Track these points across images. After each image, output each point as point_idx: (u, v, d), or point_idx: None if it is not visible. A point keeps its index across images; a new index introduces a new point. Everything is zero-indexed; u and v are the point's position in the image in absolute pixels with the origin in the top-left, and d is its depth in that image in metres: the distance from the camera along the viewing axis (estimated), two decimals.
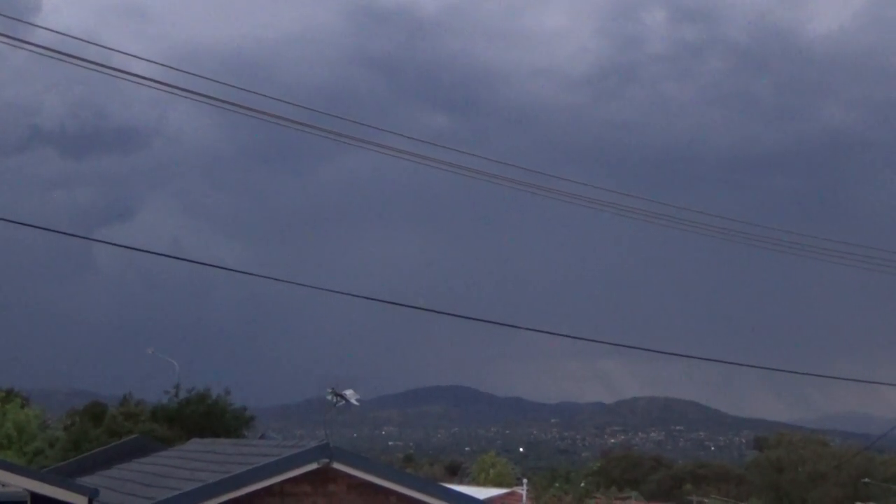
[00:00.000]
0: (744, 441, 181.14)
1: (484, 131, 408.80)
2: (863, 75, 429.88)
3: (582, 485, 37.06)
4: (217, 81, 12.15)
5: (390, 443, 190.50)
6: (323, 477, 15.24)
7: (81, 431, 37.76)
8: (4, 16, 10.66)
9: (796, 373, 25.17)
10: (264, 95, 12.54)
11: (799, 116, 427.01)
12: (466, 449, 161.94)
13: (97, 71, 11.31)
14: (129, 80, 11.49)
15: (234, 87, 12.27)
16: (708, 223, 19.06)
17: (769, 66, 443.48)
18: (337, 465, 15.17)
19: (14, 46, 10.78)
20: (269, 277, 14.54)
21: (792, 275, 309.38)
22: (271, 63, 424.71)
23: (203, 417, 38.82)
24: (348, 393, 15.36)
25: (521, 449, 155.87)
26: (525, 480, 47.95)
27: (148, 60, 11.83)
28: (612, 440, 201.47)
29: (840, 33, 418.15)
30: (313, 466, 15.00)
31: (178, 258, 13.41)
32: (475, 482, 61.20)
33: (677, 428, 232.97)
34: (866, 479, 62.01)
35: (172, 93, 11.70)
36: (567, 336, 19.04)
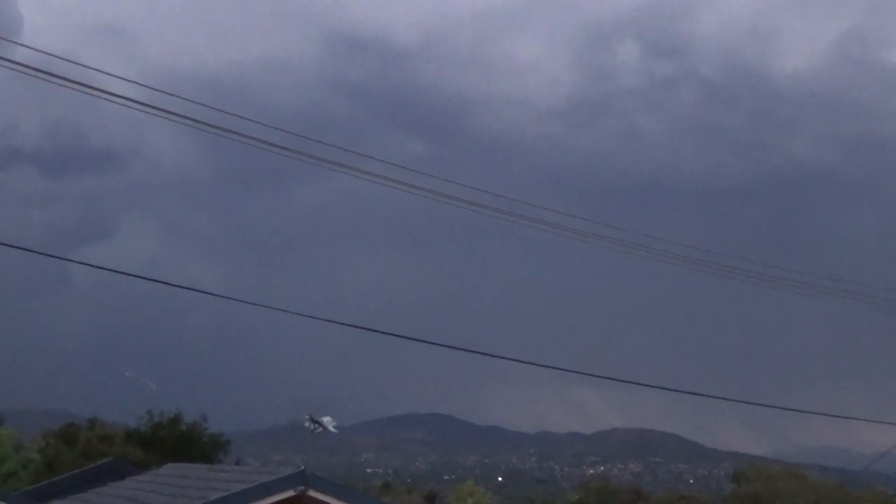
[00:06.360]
0: (723, 474, 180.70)
1: (459, 158, 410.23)
2: (830, 112, 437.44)
3: None
4: (196, 103, 12.13)
5: (368, 470, 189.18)
6: None
7: (55, 454, 37.47)
8: None
9: (771, 406, 25.15)
10: (243, 118, 12.52)
11: (768, 150, 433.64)
12: (445, 478, 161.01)
13: (77, 90, 11.27)
14: (108, 100, 11.44)
15: (213, 108, 12.25)
16: (681, 253, 19.15)
17: (739, 100, 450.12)
18: (313, 493, 15.04)
19: None
20: (245, 301, 14.45)
21: (764, 305, 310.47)
22: (249, 87, 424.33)
23: (178, 441, 38.58)
24: (326, 420, 15.25)
25: (499, 478, 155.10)
26: None
27: (127, 80, 11.80)
28: (591, 471, 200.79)
29: (807, 71, 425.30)
30: (289, 493, 14.87)
31: (153, 280, 13.31)
32: None
33: (655, 459, 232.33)
34: None
35: (152, 113, 11.67)
36: (543, 366, 18.99)
